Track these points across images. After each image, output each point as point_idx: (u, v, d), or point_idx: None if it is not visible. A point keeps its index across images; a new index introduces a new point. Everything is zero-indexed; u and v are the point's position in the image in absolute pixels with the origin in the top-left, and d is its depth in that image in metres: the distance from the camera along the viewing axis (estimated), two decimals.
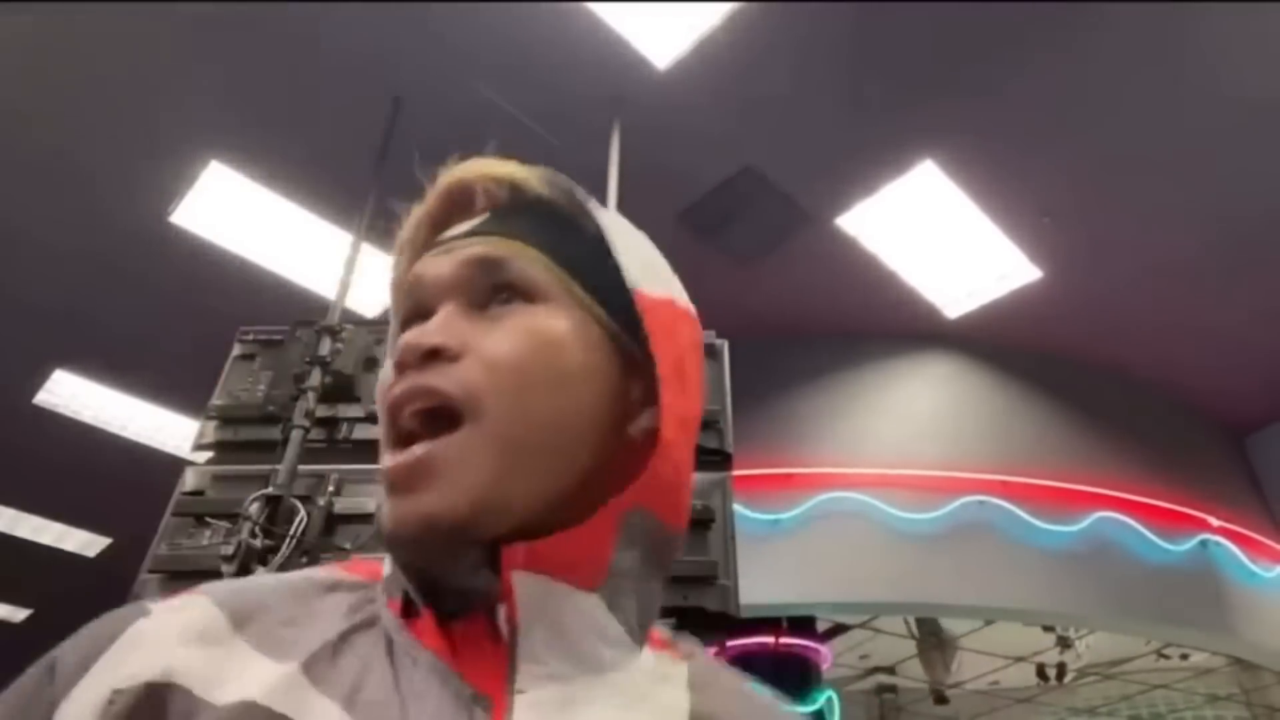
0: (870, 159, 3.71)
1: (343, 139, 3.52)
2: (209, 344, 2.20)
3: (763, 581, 3.56)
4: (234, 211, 3.92)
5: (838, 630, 4.97)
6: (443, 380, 0.46)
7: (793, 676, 4.51)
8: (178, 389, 4.87)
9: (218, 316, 2.48)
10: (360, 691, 0.43)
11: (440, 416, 0.46)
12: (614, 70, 3.29)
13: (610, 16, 3.12)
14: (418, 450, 0.45)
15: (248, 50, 3.29)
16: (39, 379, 4.92)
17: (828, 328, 4.65)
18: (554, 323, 0.50)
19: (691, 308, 0.58)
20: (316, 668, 0.44)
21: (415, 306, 0.53)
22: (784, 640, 4.55)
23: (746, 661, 4.51)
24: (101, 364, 4.87)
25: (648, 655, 0.51)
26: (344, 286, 2.60)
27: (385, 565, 0.51)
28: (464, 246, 0.53)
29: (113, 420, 5.24)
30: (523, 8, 3.10)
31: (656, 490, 0.49)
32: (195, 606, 0.46)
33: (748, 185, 3.79)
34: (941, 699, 5.46)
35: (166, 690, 0.41)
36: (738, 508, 1.66)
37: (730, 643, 4.41)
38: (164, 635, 0.44)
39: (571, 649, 0.46)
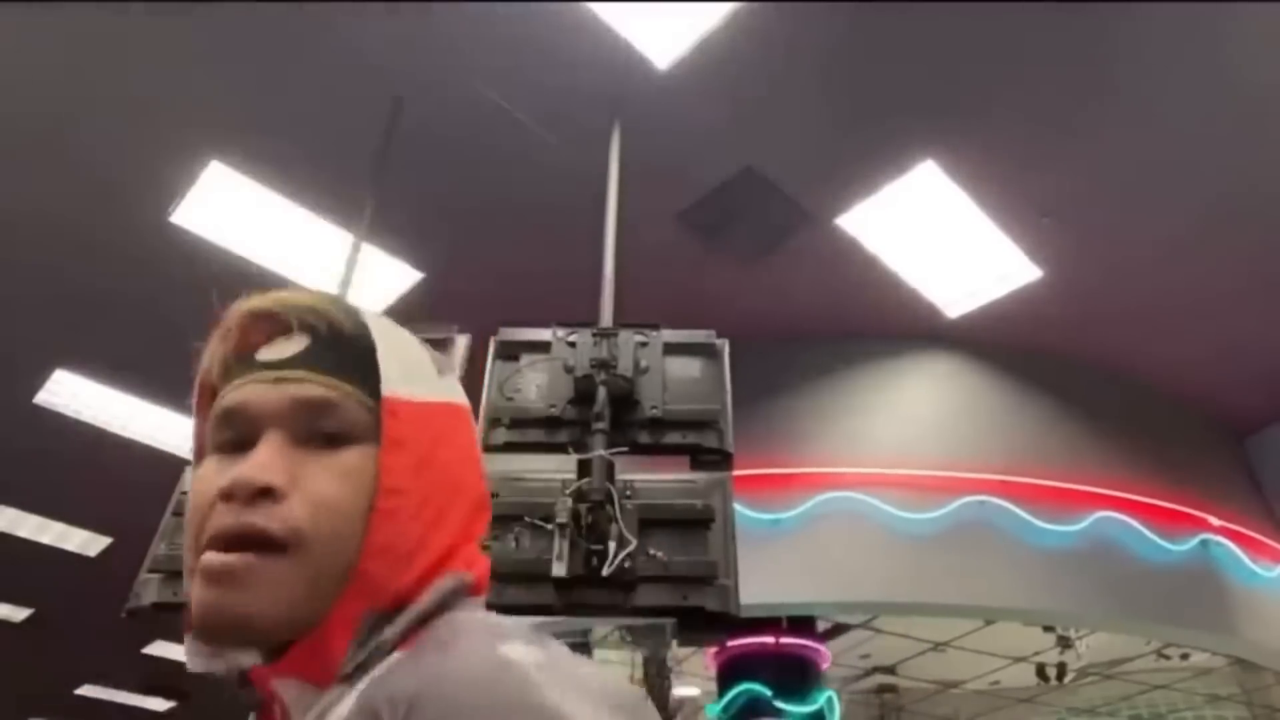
0: (870, 159, 3.71)
1: (343, 139, 3.52)
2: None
3: (763, 581, 3.56)
4: (234, 211, 3.92)
5: (838, 630, 4.97)
6: (271, 522, 0.51)
7: (793, 676, 4.51)
8: (178, 389, 4.81)
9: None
10: None
11: (253, 542, 0.51)
12: (614, 70, 3.29)
13: (610, 16, 3.12)
14: (245, 559, 0.50)
15: (248, 50, 3.29)
16: (39, 379, 4.92)
17: (828, 328, 4.65)
18: (365, 464, 0.55)
19: (460, 401, 0.64)
20: None
21: (237, 435, 0.56)
22: (784, 640, 4.55)
23: (747, 662, 4.51)
24: (101, 364, 4.86)
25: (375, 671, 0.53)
26: (344, 286, 2.60)
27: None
28: (291, 380, 0.57)
29: (113, 420, 5.24)
30: (523, 8, 3.10)
31: (376, 586, 0.53)
32: None
33: (748, 185, 3.79)
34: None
35: None
36: (738, 508, 1.66)
37: (730, 643, 4.41)
38: None
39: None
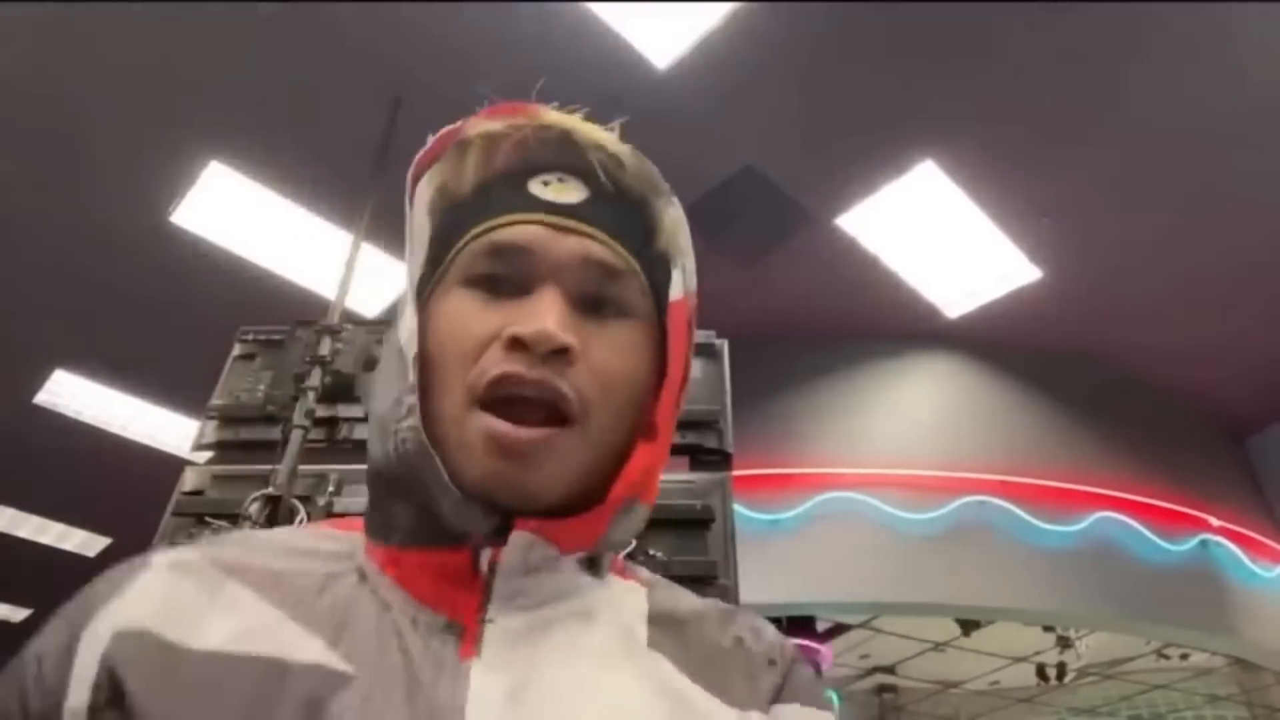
0: (870, 159, 3.71)
1: (343, 139, 3.52)
2: (209, 344, 2.19)
3: (763, 581, 3.56)
4: (234, 211, 3.92)
5: (838, 630, 4.97)
6: (567, 385, 0.49)
7: None
8: (178, 389, 4.87)
9: (218, 316, 2.48)
10: (344, 629, 0.47)
11: (545, 405, 0.49)
12: (614, 70, 3.29)
13: (610, 16, 3.12)
14: (547, 435, 0.49)
15: (248, 50, 3.29)
16: (39, 379, 4.92)
17: (828, 328, 4.65)
18: (643, 343, 0.55)
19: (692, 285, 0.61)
20: (301, 609, 0.48)
21: (507, 274, 0.53)
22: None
23: None
24: (101, 364, 4.87)
25: (612, 582, 0.56)
26: (344, 286, 2.59)
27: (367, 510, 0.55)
28: (576, 231, 0.53)
29: (113, 420, 5.24)
30: (523, 8, 3.10)
31: (647, 482, 0.54)
32: (190, 557, 0.50)
33: (748, 185, 3.79)
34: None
35: (155, 639, 0.45)
36: (738, 508, 1.66)
37: None
38: (157, 587, 0.48)
39: (541, 586, 0.50)
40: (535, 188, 0.55)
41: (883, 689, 6.11)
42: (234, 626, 0.46)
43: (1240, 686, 5.60)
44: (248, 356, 1.98)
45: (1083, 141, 3.65)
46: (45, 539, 6.46)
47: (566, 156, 0.57)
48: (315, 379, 1.85)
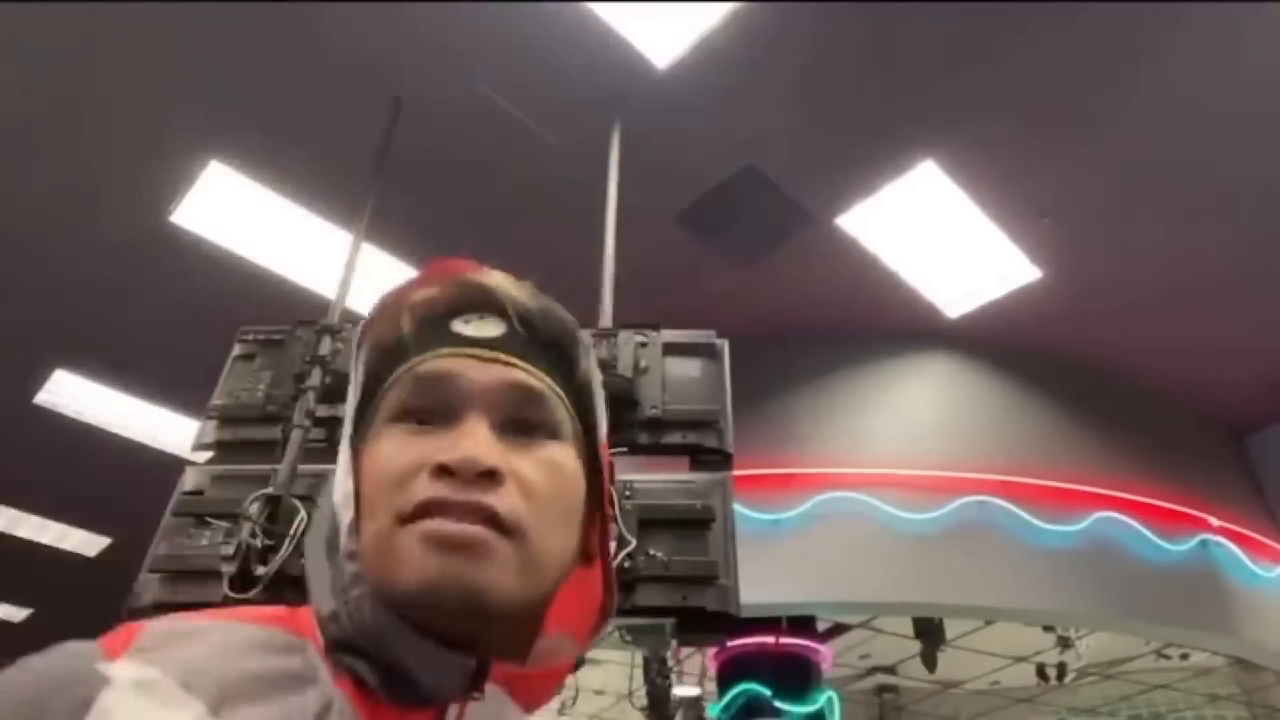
0: (870, 159, 3.71)
1: (343, 139, 3.52)
2: (209, 344, 2.19)
3: (763, 581, 3.56)
4: (234, 211, 3.92)
5: (838, 630, 4.97)
6: (498, 503, 0.50)
7: (793, 676, 4.51)
8: (178, 389, 4.87)
9: (218, 316, 2.48)
10: None
11: (479, 517, 0.50)
12: (614, 70, 3.28)
13: (610, 16, 3.12)
14: (487, 531, 0.49)
15: (248, 50, 3.29)
16: (39, 379, 4.92)
17: (828, 327, 4.65)
18: (570, 463, 0.56)
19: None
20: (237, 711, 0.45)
21: (434, 406, 0.54)
22: (784, 640, 4.55)
23: (747, 661, 4.51)
24: (101, 364, 4.86)
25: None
26: (344, 286, 2.60)
27: (321, 637, 0.52)
28: (500, 362, 0.55)
29: (113, 420, 5.24)
30: (522, 8, 3.10)
31: (585, 615, 0.57)
32: (152, 675, 0.46)
33: (748, 185, 3.79)
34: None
35: None
36: (738, 508, 1.66)
37: (730, 642, 4.41)
38: (121, 715, 0.44)
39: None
40: (457, 326, 0.57)
41: (883, 689, 6.11)
42: None
43: (1240, 686, 5.60)
44: (248, 356, 1.98)
45: (1083, 141, 3.65)
46: (45, 539, 6.45)
47: (484, 301, 0.59)
48: (315, 379, 1.85)
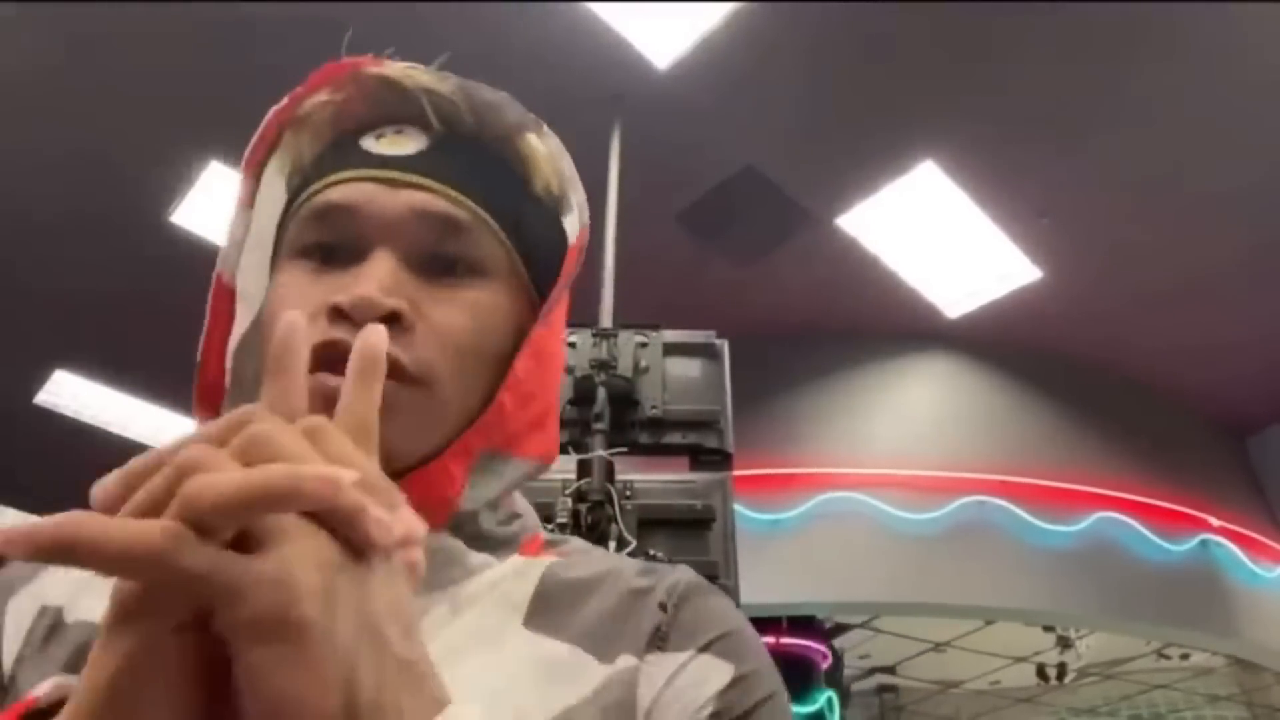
0: (870, 159, 3.71)
1: None
2: None
3: (763, 581, 3.55)
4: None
5: (838, 630, 4.97)
6: (402, 354, 0.44)
7: (793, 676, 4.51)
8: (178, 389, 4.86)
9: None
10: None
11: None
12: (614, 70, 3.28)
13: (610, 16, 3.12)
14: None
15: (248, 50, 3.29)
16: (39, 379, 4.92)
17: (828, 327, 4.65)
18: (500, 302, 0.49)
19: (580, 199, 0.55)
20: None
21: (334, 240, 0.48)
22: (784, 640, 4.55)
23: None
24: (101, 364, 4.86)
25: (514, 561, 0.50)
26: None
27: None
28: (412, 185, 0.48)
29: (113, 420, 5.24)
30: (522, 8, 3.10)
31: (508, 431, 0.48)
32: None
33: (748, 185, 3.79)
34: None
35: (56, 612, 0.47)
36: (738, 508, 1.66)
37: None
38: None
39: (430, 572, 0.44)
40: (368, 143, 0.50)
41: (883, 689, 6.11)
42: (97, 603, 0.43)
43: (1240, 686, 5.60)
44: None
45: (1083, 142, 3.65)
46: None
47: (398, 106, 0.51)
48: None
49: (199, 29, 3.21)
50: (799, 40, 3.26)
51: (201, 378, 0.52)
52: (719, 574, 1.55)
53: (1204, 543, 4.46)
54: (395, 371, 0.42)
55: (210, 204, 3.88)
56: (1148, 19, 3.15)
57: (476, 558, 0.48)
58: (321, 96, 0.53)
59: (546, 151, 0.53)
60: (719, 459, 1.74)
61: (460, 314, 0.47)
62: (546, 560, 0.50)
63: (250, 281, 0.56)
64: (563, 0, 3.06)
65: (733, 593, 1.55)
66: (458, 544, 0.47)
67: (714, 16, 3.11)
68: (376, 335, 0.33)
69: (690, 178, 3.80)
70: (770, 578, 3.75)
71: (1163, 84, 3.40)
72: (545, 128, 0.53)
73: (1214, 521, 4.59)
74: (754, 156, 3.70)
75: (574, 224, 0.53)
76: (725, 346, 1.88)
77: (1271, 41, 3.24)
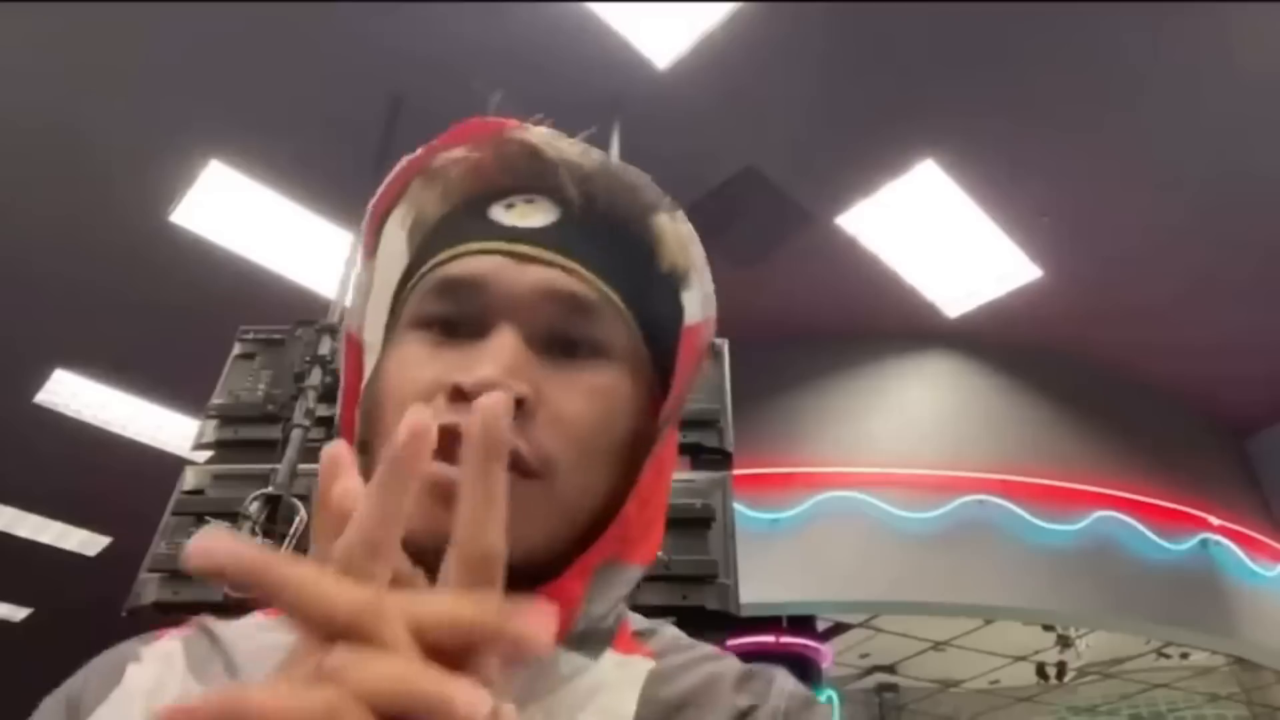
0: (870, 159, 3.71)
1: (342, 139, 3.52)
2: (209, 343, 2.19)
3: (763, 581, 3.56)
4: (234, 211, 3.92)
5: (838, 630, 4.97)
6: (522, 442, 0.41)
7: (793, 675, 4.50)
8: (178, 389, 4.87)
9: (218, 316, 2.48)
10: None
11: None
12: (614, 70, 3.29)
13: (610, 16, 3.12)
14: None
15: (247, 50, 3.29)
16: (39, 379, 4.92)
17: (827, 328, 4.65)
18: (623, 387, 0.47)
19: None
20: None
21: (457, 314, 0.46)
22: (784, 640, 4.55)
23: (747, 661, 4.51)
24: (101, 364, 4.87)
25: (609, 660, 0.47)
26: (344, 286, 2.60)
27: None
28: (538, 261, 0.46)
29: (113, 420, 5.24)
30: (522, 8, 3.10)
31: (630, 536, 0.47)
32: (172, 648, 0.46)
33: (748, 185, 3.79)
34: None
35: None
36: (738, 507, 1.66)
37: (730, 642, 4.41)
38: (141, 682, 0.44)
39: (525, 683, 0.42)
40: (497, 213, 0.49)
41: (883, 688, 6.11)
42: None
43: (1240, 686, 5.60)
44: (248, 356, 1.99)
45: (1083, 141, 3.65)
46: (45, 538, 6.46)
47: (535, 176, 0.50)
48: (315, 378, 1.85)
49: (199, 28, 3.21)
50: (799, 40, 3.26)
51: (343, 431, 0.51)
52: (719, 573, 1.55)
53: (1204, 542, 4.46)
54: (515, 463, 0.40)
55: (210, 204, 3.88)
56: (1150, 19, 3.15)
57: (574, 661, 0.45)
58: (458, 153, 0.51)
59: (676, 233, 0.51)
60: (719, 458, 1.73)
61: (583, 400, 0.45)
62: (643, 663, 0.47)
63: (371, 333, 0.54)
64: (563, 0, 3.06)
65: (732, 592, 1.55)
66: (570, 655, 0.45)
67: (714, 16, 3.11)
68: (499, 429, 0.29)
69: (690, 177, 3.80)
70: (770, 577, 3.75)
71: (1165, 83, 3.40)
72: (680, 212, 0.52)
73: (1214, 521, 4.59)
74: (754, 156, 3.70)
75: (696, 307, 0.51)
76: (725, 346, 1.88)
77: (1272, 41, 3.24)
